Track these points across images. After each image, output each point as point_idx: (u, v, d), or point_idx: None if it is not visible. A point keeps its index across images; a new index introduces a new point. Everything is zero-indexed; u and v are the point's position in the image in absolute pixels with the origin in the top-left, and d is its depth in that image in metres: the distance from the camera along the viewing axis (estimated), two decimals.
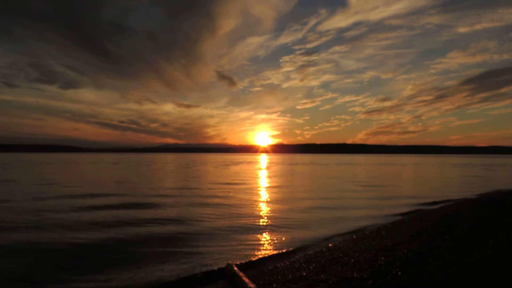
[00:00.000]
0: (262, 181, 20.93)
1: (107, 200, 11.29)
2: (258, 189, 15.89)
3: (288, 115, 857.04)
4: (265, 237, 7.08)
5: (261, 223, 8.25)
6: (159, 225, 7.52)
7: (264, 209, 10.40)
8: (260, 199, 12.24)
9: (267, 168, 40.81)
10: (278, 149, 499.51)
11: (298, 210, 10.41)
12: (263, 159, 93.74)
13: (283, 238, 6.88)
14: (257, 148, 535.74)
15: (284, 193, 14.73)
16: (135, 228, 7.29)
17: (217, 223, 7.96)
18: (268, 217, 9.04)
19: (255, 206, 10.75)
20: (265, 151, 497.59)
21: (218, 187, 16.57)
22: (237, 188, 15.28)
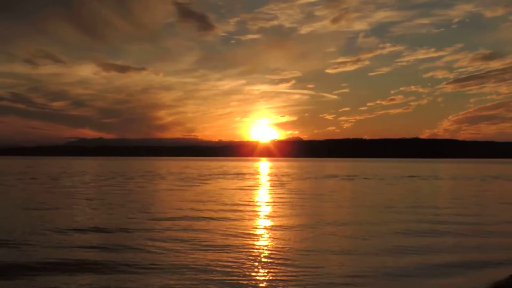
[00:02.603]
0: (262, 220, 20.99)
1: None
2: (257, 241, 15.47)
3: (311, 85, 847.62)
4: None
5: None
6: None
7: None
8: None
9: (272, 186, 41.25)
10: (292, 149, 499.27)
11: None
12: (264, 169, 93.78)
13: None
14: (253, 147, 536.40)
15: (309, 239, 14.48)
16: None
17: None
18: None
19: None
20: (268, 153, 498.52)
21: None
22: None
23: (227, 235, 15.48)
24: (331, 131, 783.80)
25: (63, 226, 17.00)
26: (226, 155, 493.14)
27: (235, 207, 23.78)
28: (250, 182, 46.78)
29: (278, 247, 13.58)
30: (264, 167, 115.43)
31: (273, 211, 22.55)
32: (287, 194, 32.56)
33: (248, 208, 23.79)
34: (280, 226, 17.76)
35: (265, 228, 17.39)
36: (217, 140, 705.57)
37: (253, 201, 27.36)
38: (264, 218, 20.08)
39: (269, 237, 15.33)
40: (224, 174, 65.56)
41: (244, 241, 14.43)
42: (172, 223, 17.89)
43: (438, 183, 48.19)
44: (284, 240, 14.84)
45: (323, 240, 14.86)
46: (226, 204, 25.11)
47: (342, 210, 23.20)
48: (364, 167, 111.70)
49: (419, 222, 18.93)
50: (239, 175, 64.48)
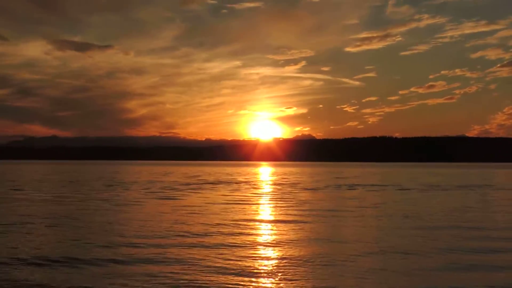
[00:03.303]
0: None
1: None
2: None
3: (326, 68, 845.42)
4: None
5: None
6: None
7: None
8: None
9: (275, 199, 41.32)
10: (301, 150, 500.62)
11: None
12: (265, 176, 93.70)
13: None
14: (251, 148, 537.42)
15: None
16: None
17: None
18: None
19: None
20: (271, 155, 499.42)
21: None
22: None
23: (216, 267, 15.35)
24: (352, 127, 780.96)
25: (2, 255, 16.96)
26: (216, 158, 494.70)
27: (226, 228, 23.84)
28: (246, 194, 46.99)
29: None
30: (264, 173, 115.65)
31: (276, 234, 22.55)
32: (295, 210, 32.69)
33: (244, 229, 23.86)
34: (285, 257, 17.54)
35: (265, 258, 17.26)
36: (204, 139, 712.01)
37: (249, 220, 27.50)
38: (264, 245, 19.94)
39: (270, 272, 15.15)
40: (213, 183, 66.00)
41: (236, 278, 14.26)
42: (142, 252, 17.80)
43: (493, 194, 48.48)
44: (290, 275, 14.62)
45: (340, 276, 14.70)
46: (215, 225, 25.16)
47: (368, 233, 23.20)
48: (395, 173, 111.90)
49: (469, 251, 18.76)
50: (232, 184, 64.87)
